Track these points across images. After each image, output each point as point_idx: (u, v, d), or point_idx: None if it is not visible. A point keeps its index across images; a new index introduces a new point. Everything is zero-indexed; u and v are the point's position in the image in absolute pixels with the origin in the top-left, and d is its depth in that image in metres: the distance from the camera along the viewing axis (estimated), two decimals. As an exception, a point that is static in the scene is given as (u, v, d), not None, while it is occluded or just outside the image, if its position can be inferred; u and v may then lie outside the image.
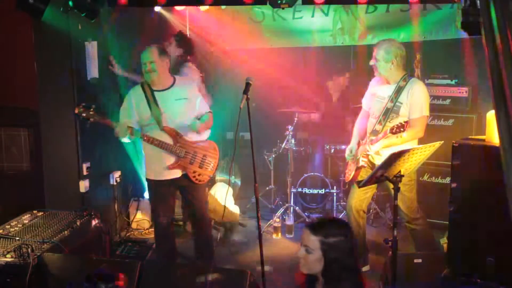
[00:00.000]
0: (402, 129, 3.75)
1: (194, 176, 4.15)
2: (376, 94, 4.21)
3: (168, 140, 4.06)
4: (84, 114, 3.91)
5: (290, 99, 6.29)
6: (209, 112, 4.29)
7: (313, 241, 2.20)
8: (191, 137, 4.15)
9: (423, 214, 4.34)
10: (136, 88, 4.17)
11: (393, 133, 3.82)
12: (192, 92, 4.22)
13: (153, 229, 5.46)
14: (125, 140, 4.07)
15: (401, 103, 4.02)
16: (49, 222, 3.78)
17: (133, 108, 4.10)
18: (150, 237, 5.25)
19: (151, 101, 4.05)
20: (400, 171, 3.43)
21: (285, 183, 5.80)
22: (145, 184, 5.64)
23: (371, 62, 4.11)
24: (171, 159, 4.09)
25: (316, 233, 2.20)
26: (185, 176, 4.14)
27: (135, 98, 4.10)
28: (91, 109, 3.92)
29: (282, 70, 6.28)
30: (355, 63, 6.30)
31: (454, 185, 3.81)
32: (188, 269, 3.45)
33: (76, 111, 3.94)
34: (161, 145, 4.02)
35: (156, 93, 4.08)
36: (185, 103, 4.13)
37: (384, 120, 4.07)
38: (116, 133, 3.97)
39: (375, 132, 4.11)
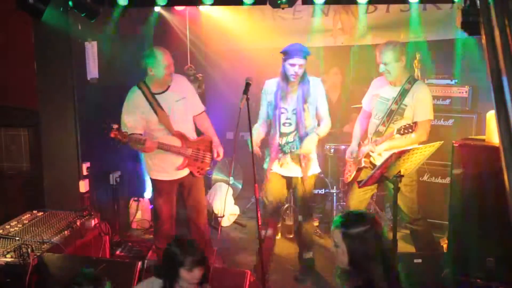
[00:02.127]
0: (410, 130, 3.73)
1: (198, 172, 4.26)
2: (379, 95, 4.19)
3: (177, 142, 4.12)
4: (119, 137, 3.85)
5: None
6: (203, 111, 4.38)
7: (337, 234, 2.21)
8: (191, 135, 4.25)
9: (424, 215, 4.33)
10: (134, 93, 4.07)
11: (401, 134, 3.79)
12: (188, 89, 4.28)
13: (152, 229, 5.47)
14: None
15: (406, 106, 4.00)
16: (49, 222, 3.78)
17: (137, 114, 4.04)
18: (150, 237, 5.25)
19: (155, 105, 4.02)
20: (400, 171, 3.43)
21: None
22: (147, 184, 5.66)
23: (381, 69, 4.03)
24: (179, 160, 4.15)
25: (339, 227, 2.22)
26: (190, 173, 4.24)
27: (137, 104, 4.04)
28: (124, 131, 3.89)
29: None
30: (355, 63, 6.28)
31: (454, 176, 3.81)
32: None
33: (113, 136, 3.82)
34: (170, 148, 4.06)
35: (157, 96, 4.06)
36: (184, 102, 4.17)
37: (387, 121, 4.05)
38: (145, 149, 3.93)
39: (378, 133, 4.10)
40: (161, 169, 4.18)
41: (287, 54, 4.02)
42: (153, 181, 4.30)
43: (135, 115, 4.03)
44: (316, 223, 5.49)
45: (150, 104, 4.02)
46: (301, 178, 4.21)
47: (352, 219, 2.24)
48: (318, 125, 4.21)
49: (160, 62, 3.97)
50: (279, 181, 4.29)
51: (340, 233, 2.19)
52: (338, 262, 2.26)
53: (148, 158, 4.22)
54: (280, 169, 4.24)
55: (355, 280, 2.20)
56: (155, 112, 4.01)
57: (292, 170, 4.22)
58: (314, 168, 4.30)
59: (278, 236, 5.33)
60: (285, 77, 4.06)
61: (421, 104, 3.98)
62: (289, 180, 4.33)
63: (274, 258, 4.76)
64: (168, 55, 4.02)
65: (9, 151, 4.74)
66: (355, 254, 2.16)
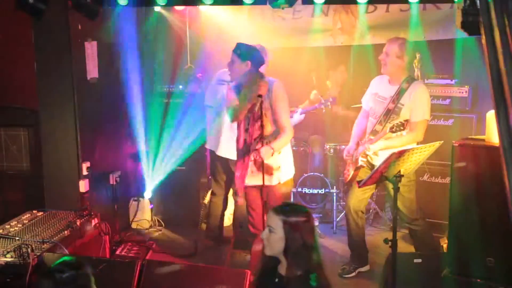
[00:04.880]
0: (402, 128, 3.75)
1: None
2: (378, 94, 4.21)
3: None
4: None
5: (290, 99, 6.27)
6: None
7: (276, 220, 2.35)
8: None
9: (423, 215, 4.33)
10: None
11: (393, 132, 3.82)
12: None
13: (152, 229, 5.49)
14: None
15: (403, 105, 4.01)
16: (49, 222, 3.78)
17: None
18: (150, 237, 5.25)
19: None
20: (399, 171, 3.43)
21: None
22: (146, 184, 5.65)
23: (381, 56, 4.10)
24: None
25: (279, 213, 2.36)
26: None
27: None
28: None
29: (282, 70, 6.27)
30: (355, 63, 6.28)
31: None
32: (188, 269, 3.44)
33: None
34: None
35: None
36: None
37: (384, 120, 4.07)
38: None
39: (375, 132, 4.11)
40: None
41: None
42: None
43: None
44: (316, 223, 5.49)
45: None
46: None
47: (292, 208, 2.41)
48: None
49: None
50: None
51: (280, 220, 2.33)
52: (270, 248, 2.37)
53: None
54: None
55: (294, 269, 2.32)
56: None
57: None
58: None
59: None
60: None
61: (418, 103, 4.00)
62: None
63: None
64: None
65: (9, 151, 4.74)
66: (294, 243, 2.31)
